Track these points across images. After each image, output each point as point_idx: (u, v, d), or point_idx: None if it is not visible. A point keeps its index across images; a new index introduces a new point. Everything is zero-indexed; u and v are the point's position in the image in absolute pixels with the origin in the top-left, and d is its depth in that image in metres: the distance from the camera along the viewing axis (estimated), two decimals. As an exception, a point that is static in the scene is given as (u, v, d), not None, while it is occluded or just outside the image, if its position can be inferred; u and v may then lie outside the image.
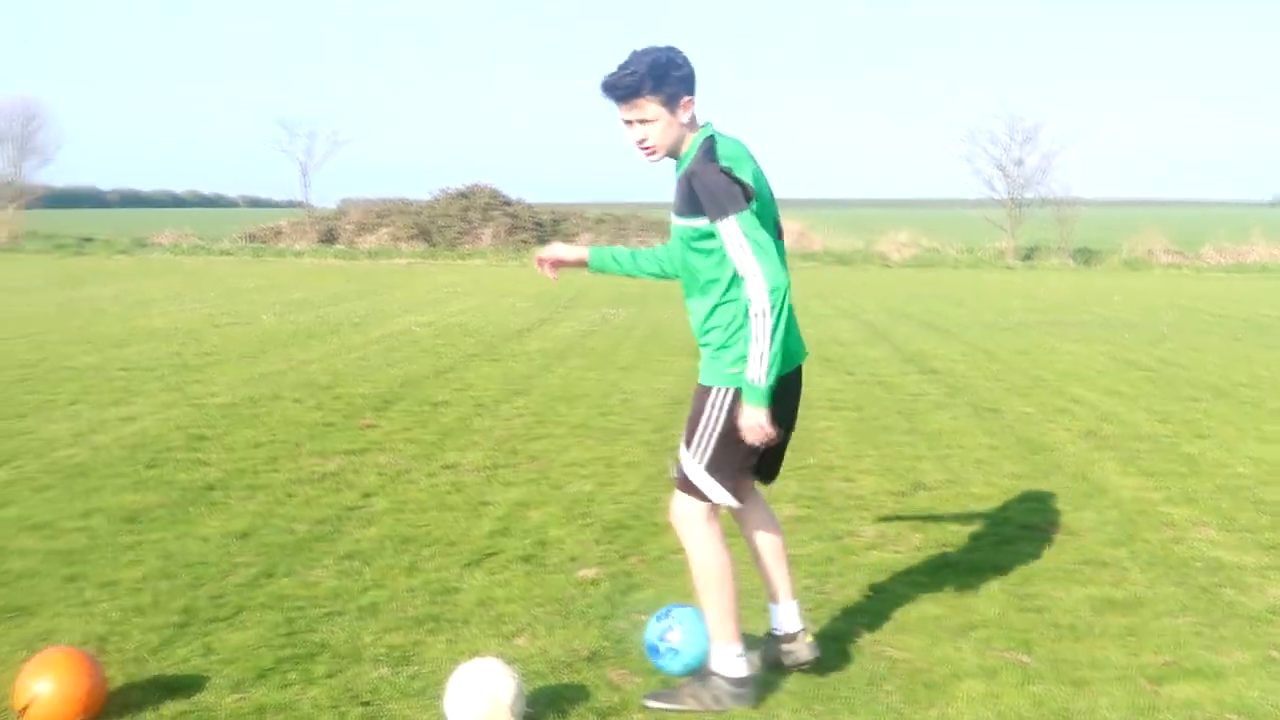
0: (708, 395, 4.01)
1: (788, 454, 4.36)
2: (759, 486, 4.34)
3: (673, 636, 4.28)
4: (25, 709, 3.78)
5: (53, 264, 34.07)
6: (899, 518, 6.58)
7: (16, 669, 4.03)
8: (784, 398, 3.99)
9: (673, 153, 4.01)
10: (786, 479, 7.44)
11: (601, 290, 23.56)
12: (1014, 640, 4.71)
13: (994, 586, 5.37)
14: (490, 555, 5.82)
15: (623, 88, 3.90)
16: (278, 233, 43.69)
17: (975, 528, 6.39)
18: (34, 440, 8.38)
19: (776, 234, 3.98)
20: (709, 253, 3.93)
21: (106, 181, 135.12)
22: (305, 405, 10.02)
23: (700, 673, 4.14)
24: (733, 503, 4.09)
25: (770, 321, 3.75)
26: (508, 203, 43.35)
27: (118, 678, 4.18)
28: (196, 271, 31.14)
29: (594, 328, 16.08)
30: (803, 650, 4.26)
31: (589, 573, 5.56)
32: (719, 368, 4.00)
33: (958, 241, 40.62)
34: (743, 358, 3.87)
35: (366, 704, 4.04)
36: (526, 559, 5.76)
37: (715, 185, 3.82)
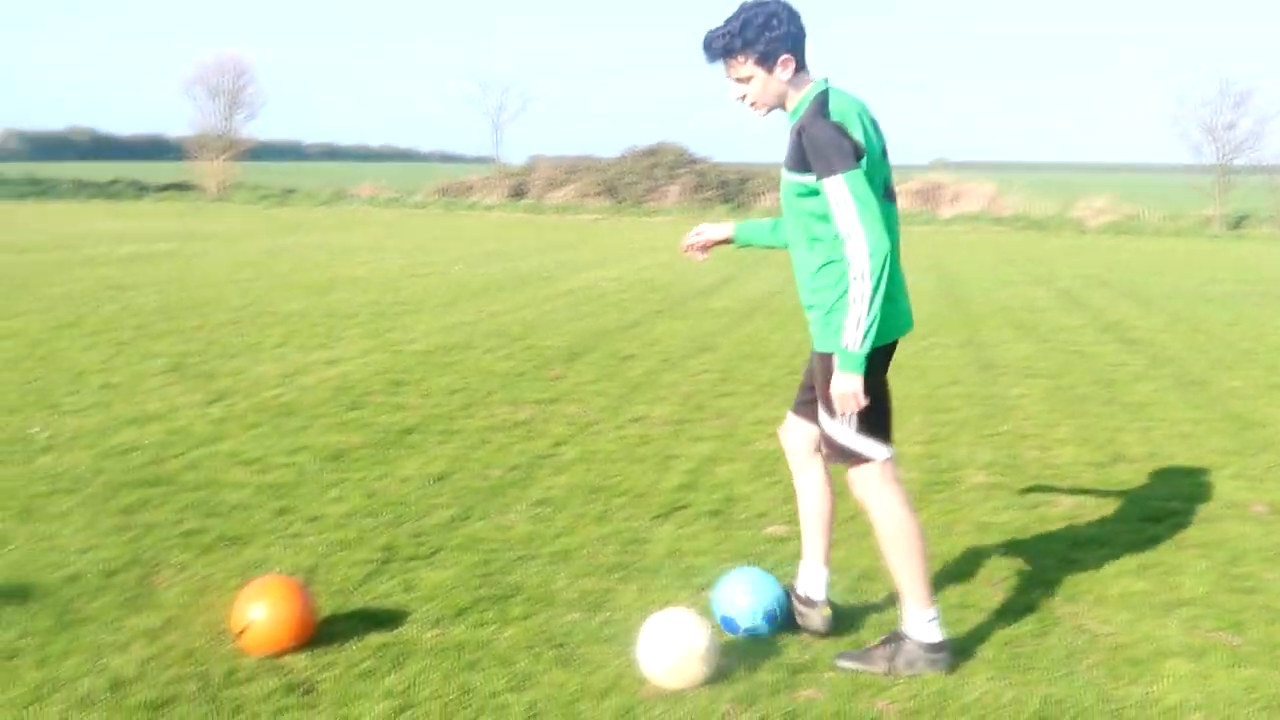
0: (833, 362, 3.89)
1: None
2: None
3: (740, 601, 4.24)
4: (242, 632, 3.98)
5: (258, 214, 35.56)
6: (1098, 490, 6.37)
7: (233, 594, 4.25)
8: (887, 364, 3.99)
9: (781, 107, 3.94)
10: (979, 445, 7.29)
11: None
12: (1224, 621, 4.52)
13: (1201, 564, 5.15)
14: (679, 508, 5.86)
15: (714, 48, 3.87)
16: (469, 187, 44.69)
17: (1180, 503, 6.13)
18: (244, 380, 8.78)
19: (887, 196, 3.87)
20: (816, 210, 3.85)
21: (308, 136, 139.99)
22: (497, 355, 10.24)
23: (893, 635, 4.09)
24: (892, 451, 4.04)
25: (869, 286, 3.67)
26: (694, 161, 43.34)
27: (325, 608, 4.36)
28: (392, 223, 32.09)
29: (780, 288, 15.96)
30: (815, 619, 4.27)
31: (777, 530, 5.55)
32: (834, 332, 3.89)
33: (1159, 208, 38.89)
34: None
35: (560, 646, 4.12)
36: (714, 514, 5.78)
37: (824, 141, 3.73)
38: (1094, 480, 6.58)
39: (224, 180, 44.16)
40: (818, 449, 4.25)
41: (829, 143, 3.72)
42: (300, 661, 3.94)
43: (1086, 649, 4.24)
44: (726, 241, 4.53)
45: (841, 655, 4.09)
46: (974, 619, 4.48)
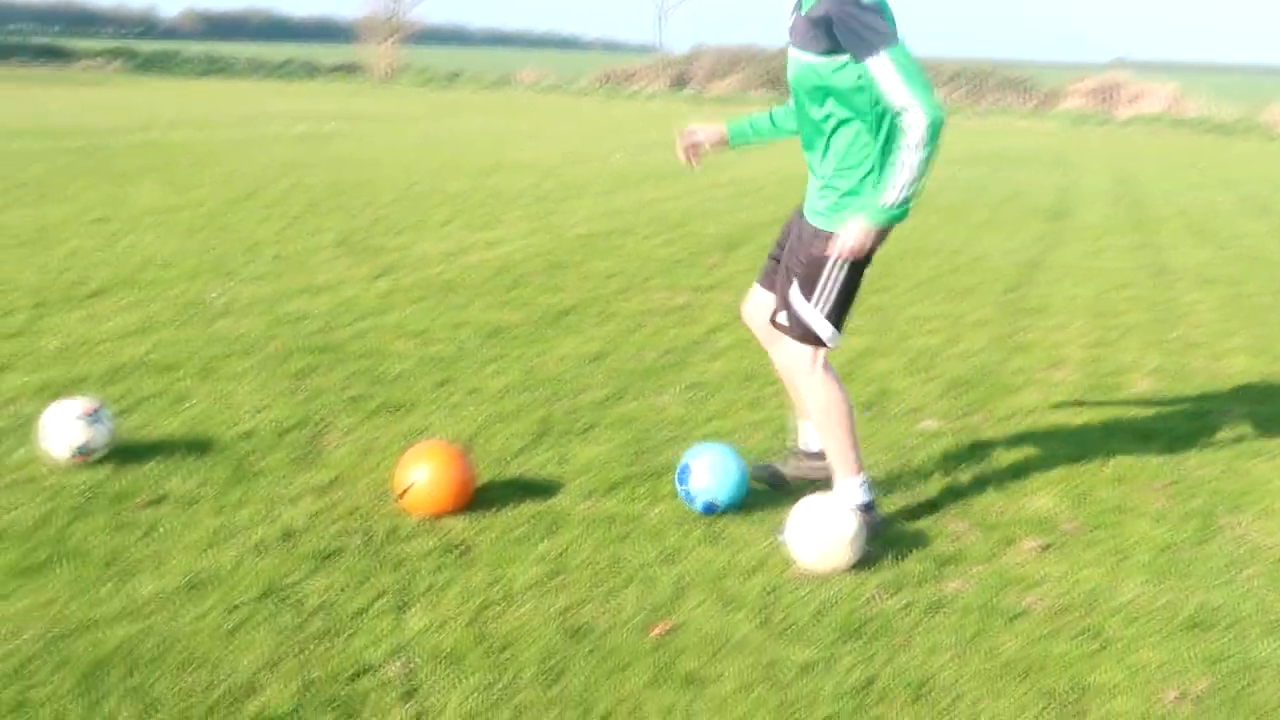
0: (831, 239, 3.91)
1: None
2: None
3: (696, 481, 4.22)
4: (404, 492, 4.14)
5: (425, 96, 36.03)
6: (1271, 401, 6.13)
7: (396, 457, 4.41)
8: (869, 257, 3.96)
9: None
10: (1147, 351, 7.08)
11: (953, 147, 22.78)
12: (1398, 539, 4.34)
13: (1378, 482, 4.95)
14: (832, 399, 5.84)
15: None
16: (630, 75, 44.45)
17: (1360, 419, 5.87)
18: (410, 256, 9.00)
19: None
20: (844, 91, 3.78)
21: (474, 20, 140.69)
22: (655, 241, 10.27)
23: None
24: (839, 342, 4.08)
25: (923, 154, 3.65)
26: (861, 52, 42.24)
27: (483, 475, 4.50)
28: (554, 110, 32.19)
29: (943, 185, 15.57)
30: (826, 470, 4.27)
31: (930, 424, 5.50)
32: (845, 214, 3.88)
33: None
34: (869, 201, 3.83)
35: (709, 524, 4.18)
36: (868, 405, 5.75)
37: (863, 21, 3.66)
38: (1267, 391, 6.34)
39: (391, 63, 44.79)
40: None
41: (867, 23, 3.66)
42: (458, 524, 4.08)
43: (1248, 559, 4.13)
44: (722, 143, 4.41)
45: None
46: (1131, 523, 4.40)
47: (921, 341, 7.10)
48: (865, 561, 3.87)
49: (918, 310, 8.00)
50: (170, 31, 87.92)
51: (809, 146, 4.05)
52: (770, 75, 41.55)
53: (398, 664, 3.15)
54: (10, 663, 3.04)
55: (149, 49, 51.87)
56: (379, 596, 3.53)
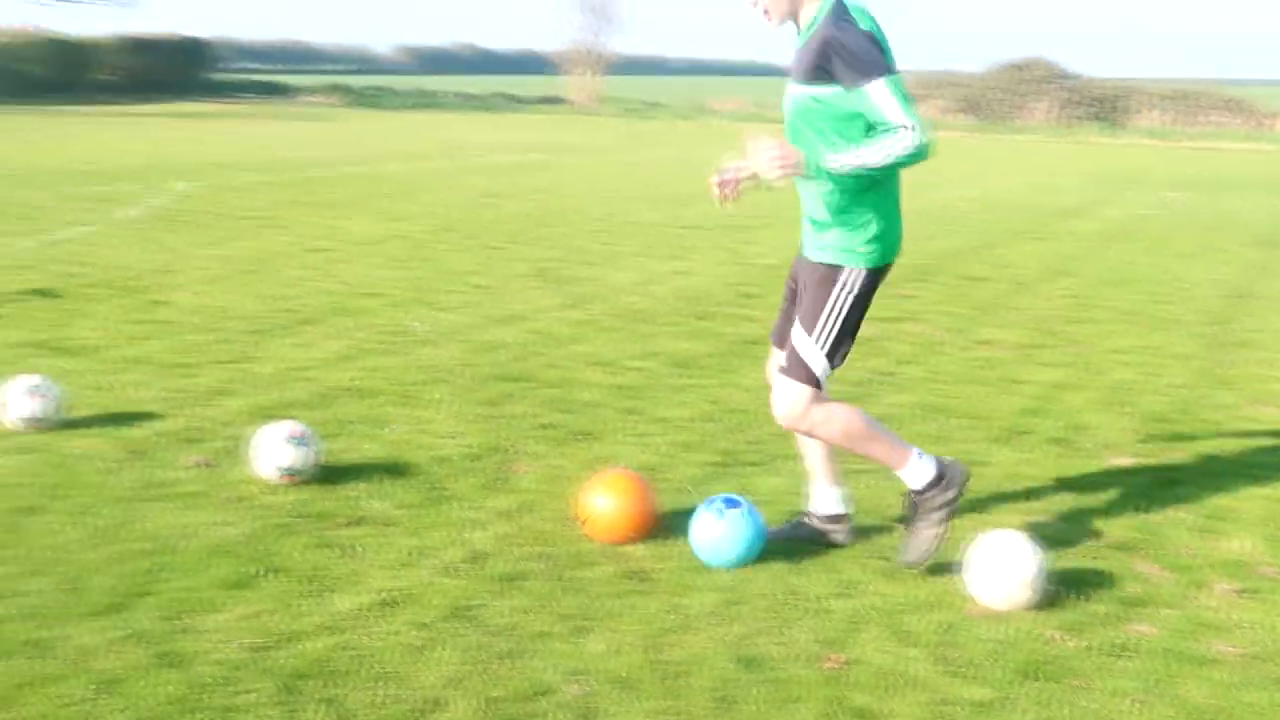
0: (838, 275, 3.87)
1: None
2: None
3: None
4: (586, 519, 4.26)
5: (624, 126, 36.67)
6: None
7: (581, 484, 4.54)
8: (872, 292, 3.93)
9: (794, 19, 3.86)
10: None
11: (1162, 170, 21.98)
12: None
13: None
14: (1021, 433, 5.74)
15: None
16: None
17: None
18: (602, 286, 9.21)
19: None
20: (839, 121, 3.73)
21: (672, 50, 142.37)
22: (845, 271, 10.23)
23: (910, 504, 4.06)
24: (829, 374, 3.98)
25: (894, 160, 3.59)
26: (1065, 76, 41.12)
27: (665, 504, 4.59)
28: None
29: (1151, 211, 15.05)
30: (840, 535, 4.32)
31: (1124, 461, 5.35)
32: (850, 245, 3.85)
33: None
34: (877, 237, 3.84)
35: (887, 559, 4.17)
36: (1058, 441, 5.63)
37: (858, 48, 3.64)
38: None
39: (592, 94, 45.73)
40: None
41: (862, 50, 3.64)
42: (639, 552, 4.18)
43: None
44: (755, 180, 4.08)
45: (901, 556, 4.08)
46: (1337, 570, 4.20)
47: (1119, 375, 6.91)
48: (1047, 601, 3.80)
49: (1117, 342, 7.77)
50: (384, 67, 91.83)
51: (806, 183, 3.92)
52: (969, 100, 40.82)
53: (576, 687, 3.26)
54: (219, 670, 3.26)
55: (363, 84, 54.34)
56: (560, 620, 3.65)
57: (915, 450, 4.07)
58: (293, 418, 5.16)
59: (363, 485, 4.74)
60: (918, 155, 3.61)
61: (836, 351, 3.95)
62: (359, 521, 4.39)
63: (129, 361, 6.52)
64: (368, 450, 5.19)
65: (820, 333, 3.92)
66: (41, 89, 41.31)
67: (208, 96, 46.21)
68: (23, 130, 25.67)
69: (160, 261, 9.69)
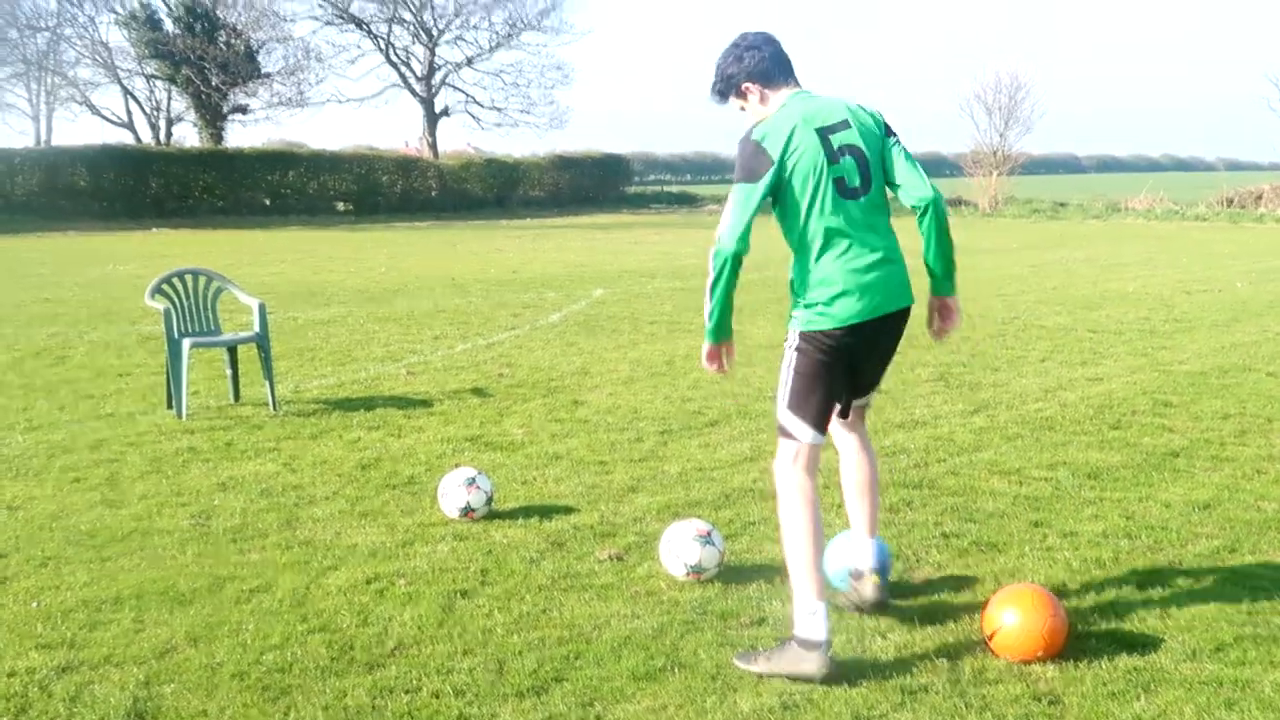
0: (786, 339, 4.33)
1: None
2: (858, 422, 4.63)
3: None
4: (993, 635, 4.14)
5: (1028, 228, 35.67)
6: None
7: (987, 598, 4.43)
8: (859, 346, 4.27)
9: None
10: None
11: None
12: None
13: None
14: None
15: (712, 97, 4.50)
16: (1257, 197, 41.22)
17: None
18: (1006, 392, 8.96)
19: (843, 194, 4.20)
20: (773, 212, 4.31)
21: (1083, 148, 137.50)
22: (1280, 380, 9.46)
23: (783, 640, 4.10)
24: (818, 439, 4.25)
25: (710, 279, 4.24)
26: None
27: (1076, 623, 4.39)
28: (1168, 236, 30.60)
29: None
30: (867, 589, 4.51)
31: None
32: (788, 313, 4.34)
33: None
34: (805, 306, 4.26)
35: (1333, 699, 3.79)
36: None
37: (738, 155, 4.23)
38: None
39: (996, 195, 44.85)
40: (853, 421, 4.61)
41: (739, 157, 4.23)
42: (1048, 672, 4.01)
43: None
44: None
45: (738, 655, 4.14)
46: None
47: None
48: None
49: None
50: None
51: None
52: None
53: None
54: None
55: (767, 192, 55.64)
56: (963, 737, 3.56)
57: (822, 605, 4.05)
58: (699, 516, 5.36)
59: (765, 586, 4.83)
60: (718, 260, 4.20)
61: (800, 407, 4.26)
62: (761, 622, 4.48)
63: (550, 457, 6.98)
64: (769, 552, 5.28)
65: (780, 391, 4.33)
66: (479, 205, 45.39)
67: (624, 208, 49.04)
68: (463, 242, 28.21)
69: (579, 364, 10.32)
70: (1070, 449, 7.18)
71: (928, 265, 4.60)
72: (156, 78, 54.01)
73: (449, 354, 10.91)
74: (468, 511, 5.67)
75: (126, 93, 57.47)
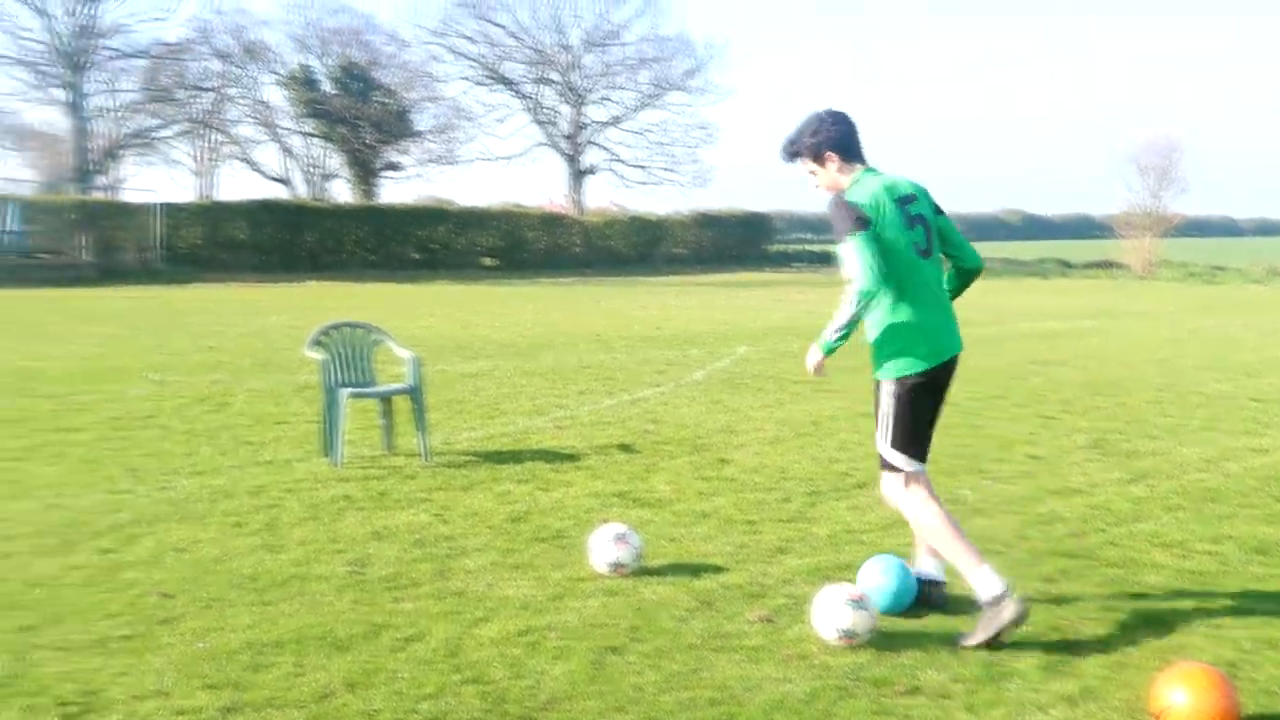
0: (880, 388, 5.08)
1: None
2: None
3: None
4: (1161, 715, 3.99)
5: (1184, 292, 34.62)
6: None
7: (1152, 675, 4.27)
8: (920, 395, 5.01)
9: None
10: None
11: None
12: None
13: None
14: None
15: (783, 153, 5.16)
16: None
17: None
18: (1166, 461, 8.68)
19: (920, 254, 4.95)
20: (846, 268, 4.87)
21: (1240, 210, 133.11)
22: None
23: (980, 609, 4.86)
24: (919, 467, 5.07)
25: (849, 311, 4.86)
26: None
27: (1247, 705, 4.20)
28: (1335, 302, 29.36)
29: None
30: (940, 594, 5.32)
31: None
32: (879, 364, 5.06)
33: None
34: (890, 355, 5.00)
35: None
36: None
37: (834, 214, 4.91)
38: None
39: (1150, 257, 43.65)
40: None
41: (837, 215, 4.89)
42: (1220, 755, 3.85)
43: None
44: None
45: (958, 636, 4.87)
46: None
47: None
48: None
49: None
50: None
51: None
52: None
53: None
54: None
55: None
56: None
57: (988, 565, 4.90)
58: (850, 580, 5.29)
59: (919, 654, 4.74)
60: (861, 299, 4.81)
61: (902, 445, 5.04)
62: (915, 691, 4.39)
63: (698, 515, 6.98)
64: (922, 619, 5.19)
65: (884, 432, 5.10)
66: (623, 262, 45.89)
67: (767, 266, 49.07)
68: (607, 299, 28.53)
69: (724, 421, 10.32)
70: (1236, 522, 6.91)
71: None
72: (313, 135, 56.04)
73: (595, 409, 11.02)
74: (617, 567, 5.69)
75: (284, 150, 59.66)
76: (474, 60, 55.39)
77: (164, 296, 28.72)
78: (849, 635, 4.75)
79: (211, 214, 41.37)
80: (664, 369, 14.17)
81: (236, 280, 36.21)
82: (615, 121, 56.47)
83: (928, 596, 5.27)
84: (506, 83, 55.94)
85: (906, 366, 4.96)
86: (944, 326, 5.08)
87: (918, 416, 5.02)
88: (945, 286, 5.21)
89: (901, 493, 5.06)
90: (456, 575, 5.78)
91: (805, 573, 5.83)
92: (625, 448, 9.09)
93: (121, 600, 5.33)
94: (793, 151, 5.11)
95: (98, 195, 46.26)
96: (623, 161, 56.63)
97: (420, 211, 45.53)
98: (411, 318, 21.69)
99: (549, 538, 6.47)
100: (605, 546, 5.72)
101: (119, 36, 48.30)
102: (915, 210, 4.97)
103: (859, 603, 4.78)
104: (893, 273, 4.86)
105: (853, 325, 4.89)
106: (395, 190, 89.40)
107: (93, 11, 46.97)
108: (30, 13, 45.75)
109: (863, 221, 4.81)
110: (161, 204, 39.81)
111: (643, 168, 56.41)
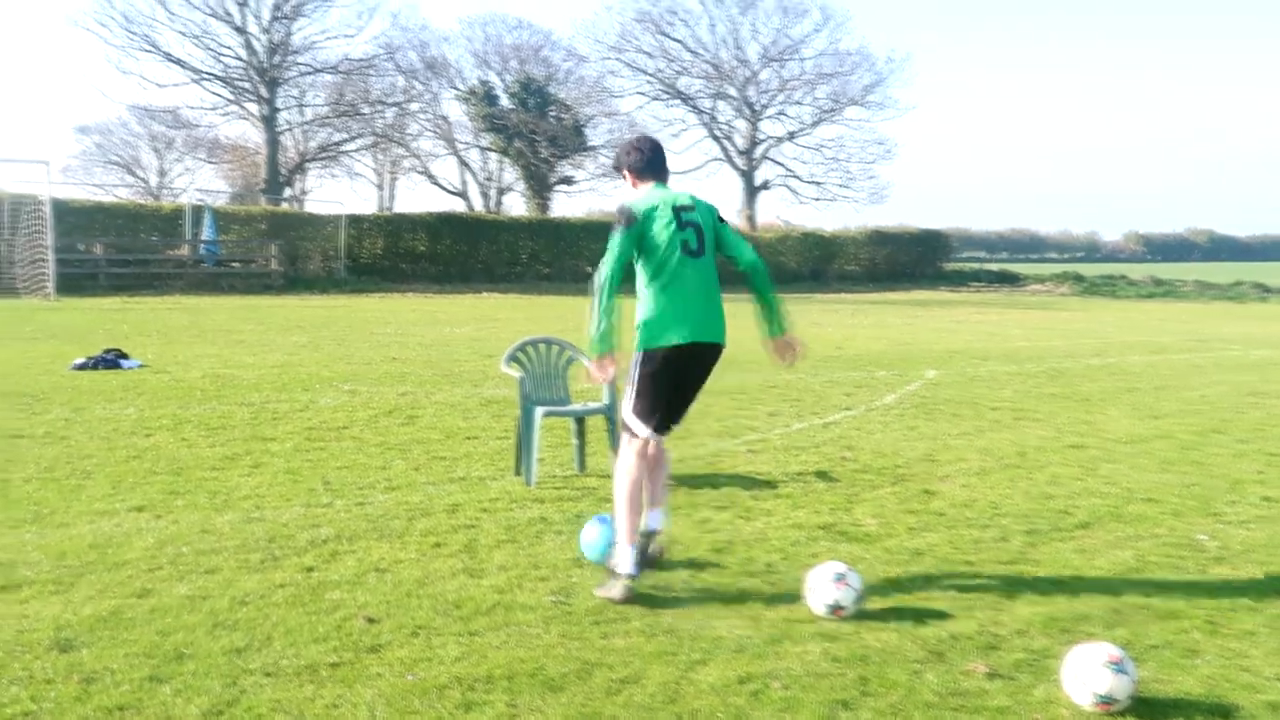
0: (632, 359, 5.79)
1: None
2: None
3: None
4: None
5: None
6: None
7: None
8: (665, 368, 5.73)
9: None
10: None
11: None
12: None
13: None
14: None
15: (613, 170, 7.97)
16: None
17: None
18: None
19: (688, 252, 5.74)
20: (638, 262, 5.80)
21: None
22: None
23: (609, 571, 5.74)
24: (648, 434, 5.85)
25: (593, 298, 5.61)
26: None
27: None
28: None
29: None
30: (655, 547, 6.02)
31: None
32: (635, 339, 5.71)
33: None
34: (642, 331, 5.73)
35: None
36: None
37: (615, 215, 5.83)
38: None
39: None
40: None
41: (616, 216, 5.81)
42: None
43: None
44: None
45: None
46: None
47: None
48: None
49: None
50: (1112, 254, 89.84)
51: None
52: None
53: None
54: None
55: (1093, 272, 53.40)
56: None
57: (634, 547, 5.68)
58: (1088, 633, 4.85)
59: (1186, 725, 4.27)
60: (597, 289, 5.61)
61: (638, 411, 5.86)
62: (1189, 770, 3.93)
63: (912, 553, 6.57)
64: (1181, 683, 4.70)
65: (626, 398, 5.91)
66: (794, 278, 45.38)
67: (941, 285, 47.93)
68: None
69: (923, 450, 9.86)
70: None
71: (762, 312, 6.07)
72: (490, 150, 57.01)
73: (786, 432, 10.66)
74: (836, 609, 5.34)
75: (462, 163, 60.82)
76: (651, 75, 55.64)
77: (347, 305, 29.43)
78: (1106, 701, 4.31)
79: (392, 225, 42.35)
80: (852, 391, 13.72)
81: (415, 290, 36.95)
82: (791, 137, 56.04)
83: (642, 549, 5.82)
84: (683, 98, 56.02)
85: (650, 341, 5.70)
86: (696, 315, 5.72)
87: (657, 388, 5.76)
88: (715, 283, 5.84)
89: (624, 450, 5.84)
90: (665, 610, 5.50)
91: (1040, 623, 5.38)
92: (823, 475, 8.71)
93: (328, 623, 5.20)
94: (614, 167, 6.29)
95: (285, 206, 47.88)
96: (797, 177, 56.15)
97: (594, 225, 45.83)
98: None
99: (758, 572, 6.15)
100: (825, 587, 5.37)
101: (310, 53, 49.96)
102: (689, 217, 5.81)
103: (1118, 666, 4.34)
104: (658, 265, 5.70)
105: (601, 311, 5.57)
106: (567, 204, 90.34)
107: (287, 29, 48.69)
108: (230, 30, 47.66)
109: (628, 221, 5.71)
110: (346, 215, 40.91)
111: (818, 184, 55.84)
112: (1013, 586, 5.97)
